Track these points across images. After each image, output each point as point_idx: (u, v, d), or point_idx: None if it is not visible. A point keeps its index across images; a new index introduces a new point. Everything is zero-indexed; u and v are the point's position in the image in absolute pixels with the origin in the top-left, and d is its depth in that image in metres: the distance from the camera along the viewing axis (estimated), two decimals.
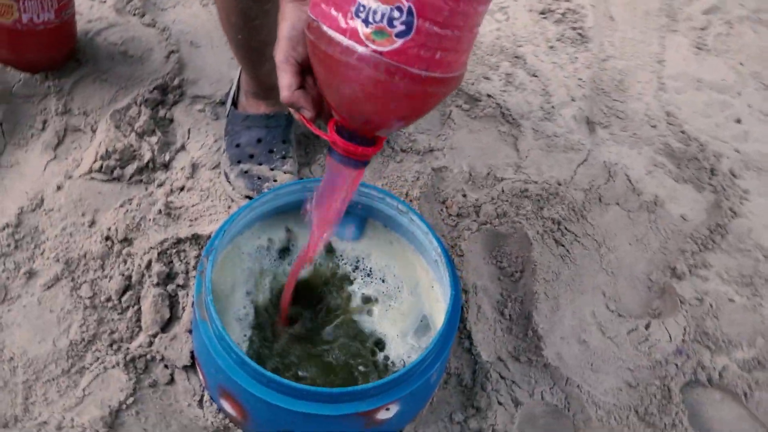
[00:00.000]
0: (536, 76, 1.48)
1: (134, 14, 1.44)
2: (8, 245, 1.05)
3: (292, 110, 0.74)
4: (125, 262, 1.04)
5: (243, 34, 1.00)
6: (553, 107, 1.41)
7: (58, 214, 1.10)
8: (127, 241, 1.06)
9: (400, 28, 0.59)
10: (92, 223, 1.09)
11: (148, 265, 1.03)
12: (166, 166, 1.20)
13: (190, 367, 0.96)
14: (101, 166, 1.14)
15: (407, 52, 0.60)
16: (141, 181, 1.17)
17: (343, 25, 0.61)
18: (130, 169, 1.16)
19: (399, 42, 0.60)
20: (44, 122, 1.22)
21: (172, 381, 0.95)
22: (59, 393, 0.92)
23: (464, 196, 1.22)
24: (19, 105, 1.23)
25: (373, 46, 0.60)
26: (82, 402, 0.91)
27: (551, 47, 1.56)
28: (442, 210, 1.20)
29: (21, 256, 1.05)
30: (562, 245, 1.16)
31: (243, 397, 0.80)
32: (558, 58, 1.53)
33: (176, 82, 1.31)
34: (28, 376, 0.93)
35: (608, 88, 1.49)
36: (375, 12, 0.59)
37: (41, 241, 1.07)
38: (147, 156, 1.18)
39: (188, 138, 1.24)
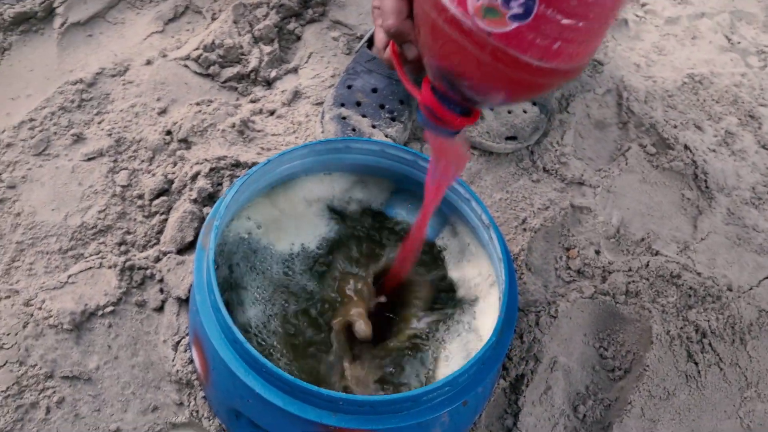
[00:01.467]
0: (766, 149, 1.39)
1: None
2: (72, 101, 1.19)
3: (379, 49, 0.76)
4: (174, 164, 1.13)
5: None
6: None
7: (134, 89, 1.22)
8: (185, 142, 1.16)
9: (517, 10, 0.60)
10: (162, 112, 1.20)
11: (194, 177, 1.11)
12: (268, 84, 1.28)
13: (184, 302, 1.02)
14: (199, 57, 1.25)
15: (520, 37, 0.61)
16: (234, 88, 1.26)
17: None
18: (229, 71, 1.26)
19: (512, 25, 0.61)
20: None
21: (160, 309, 1.03)
22: (46, 269, 1.03)
23: (597, 252, 1.18)
24: None
25: (482, 24, 0.61)
26: (62, 288, 1.01)
27: None
28: (560, 257, 1.17)
29: (78, 117, 1.18)
30: (695, 362, 1.08)
31: (208, 349, 0.84)
32: None
33: None
34: (24, 238, 1.05)
35: None
36: None
37: (105, 111, 1.19)
38: (252, 64, 1.27)
39: (306, 62, 1.32)
